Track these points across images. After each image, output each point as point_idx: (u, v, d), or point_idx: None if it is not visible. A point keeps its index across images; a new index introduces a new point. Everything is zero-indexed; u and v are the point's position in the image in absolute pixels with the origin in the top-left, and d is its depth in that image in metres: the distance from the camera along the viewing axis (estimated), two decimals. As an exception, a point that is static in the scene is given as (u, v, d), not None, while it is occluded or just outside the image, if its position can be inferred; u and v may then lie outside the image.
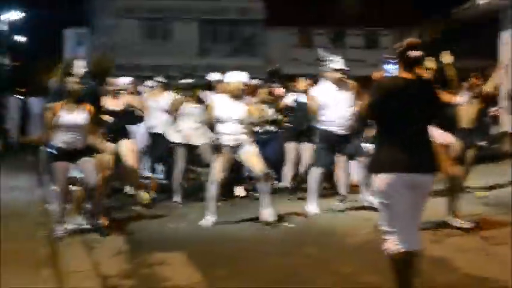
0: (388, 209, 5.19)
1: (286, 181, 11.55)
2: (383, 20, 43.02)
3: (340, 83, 9.58)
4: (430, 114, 5.33)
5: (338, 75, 9.57)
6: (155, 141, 11.78)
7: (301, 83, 11.69)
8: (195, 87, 11.26)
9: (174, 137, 11.05)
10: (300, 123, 11.34)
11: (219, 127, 9.15)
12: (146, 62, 37.55)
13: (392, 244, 5.20)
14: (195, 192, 11.32)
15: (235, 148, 9.12)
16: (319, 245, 7.86)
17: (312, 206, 9.72)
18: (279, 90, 12.30)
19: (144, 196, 10.51)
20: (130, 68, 34.31)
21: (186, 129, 10.90)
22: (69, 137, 8.38)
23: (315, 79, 10.93)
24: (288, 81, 13.40)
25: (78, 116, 8.41)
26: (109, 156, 9.89)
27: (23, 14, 42.12)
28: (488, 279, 6.19)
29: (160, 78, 12.16)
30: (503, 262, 6.73)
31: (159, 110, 11.62)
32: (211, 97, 9.43)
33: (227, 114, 9.08)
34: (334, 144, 9.71)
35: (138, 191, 10.60)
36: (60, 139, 8.37)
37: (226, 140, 9.09)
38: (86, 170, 8.42)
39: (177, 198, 10.92)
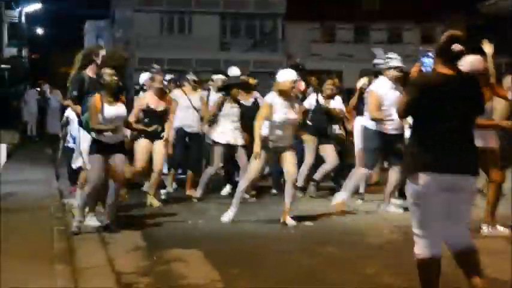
0: (420, 211, 4.90)
1: (301, 180, 11.30)
2: (406, 14, 42.72)
3: (397, 82, 9.40)
4: (473, 112, 5.01)
5: (396, 73, 9.38)
6: (191, 140, 11.44)
7: (327, 87, 11.40)
8: (232, 86, 11.02)
9: (215, 136, 10.77)
10: (320, 123, 11.17)
11: (274, 129, 8.80)
12: (165, 56, 37.35)
13: (421, 248, 4.96)
14: (213, 189, 11.24)
15: (279, 149, 8.87)
16: (339, 244, 7.74)
17: (341, 197, 9.64)
18: (301, 85, 12.07)
19: (154, 202, 10.26)
20: (149, 62, 34.32)
21: (227, 130, 10.70)
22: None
23: (338, 75, 10.76)
24: (309, 75, 13.20)
25: (119, 108, 8.24)
26: (144, 155, 9.89)
27: (42, 6, 42.29)
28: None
29: (191, 76, 11.78)
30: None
31: (191, 108, 11.34)
32: (270, 97, 8.94)
33: (283, 115, 8.74)
34: (387, 145, 9.49)
35: (151, 193, 10.36)
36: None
37: (279, 141, 8.81)
38: (118, 165, 8.23)
39: (198, 193, 10.78)
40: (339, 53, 40.87)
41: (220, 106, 10.78)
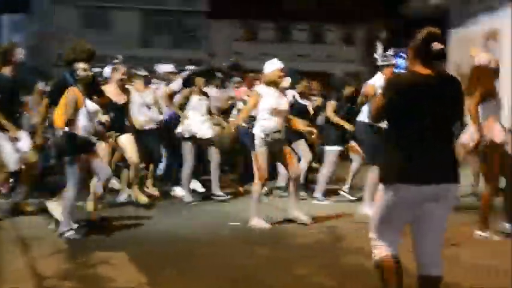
0: (389, 220, 4.56)
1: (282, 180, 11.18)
2: (328, 15, 43.10)
3: None
4: (454, 115, 4.61)
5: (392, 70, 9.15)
6: (148, 137, 10.74)
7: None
8: (196, 76, 10.74)
9: (182, 130, 10.47)
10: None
11: (263, 120, 8.57)
12: (86, 52, 36.54)
13: (381, 250, 4.66)
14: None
15: (277, 144, 8.63)
16: (272, 245, 7.63)
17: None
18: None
19: (141, 197, 10.00)
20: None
21: (195, 123, 10.41)
22: (89, 125, 7.91)
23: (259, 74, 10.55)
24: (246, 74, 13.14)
25: (93, 103, 8.00)
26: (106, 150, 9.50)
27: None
28: (448, 284, 5.93)
29: (142, 72, 11.37)
30: (460, 264, 6.60)
31: (145, 105, 10.82)
32: (259, 88, 8.77)
33: (277, 106, 8.56)
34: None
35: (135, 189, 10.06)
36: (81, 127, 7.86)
37: (271, 135, 8.54)
38: (97, 161, 7.99)
39: (188, 197, 10.46)
40: (260, 52, 40.80)
41: (187, 99, 10.52)
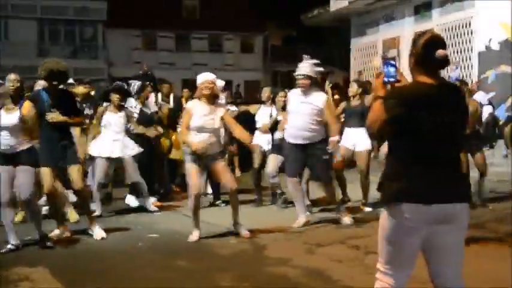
0: (396, 248, 4.08)
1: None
2: (226, 24, 43.30)
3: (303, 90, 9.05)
4: (460, 127, 4.21)
5: (299, 81, 9.03)
6: None
7: (280, 98, 10.90)
8: (111, 92, 10.41)
9: (92, 150, 10.21)
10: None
11: (192, 135, 8.26)
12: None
13: (385, 284, 4.18)
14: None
15: (206, 160, 8.34)
16: (189, 256, 7.53)
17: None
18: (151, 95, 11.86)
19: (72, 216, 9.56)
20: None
21: (106, 142, 10.14)
22: (5, 139, 7.68)
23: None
24: (160, 83, 13.03)
25: (14, 116, 7.72)
26: None
27: None
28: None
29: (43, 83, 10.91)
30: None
31: None
32: (190, 103, 8.56)
33: (204, 122, 8.29)
34: (298, 155, 9.10)
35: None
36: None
37: (201, 151, 8.20)
38: (20, 178, 7.71)
39: (98, 210, 10.05)
40: (160, 61, 40.58)
41: (101, 116, 10.24)
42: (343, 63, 20.75)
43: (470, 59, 17.27)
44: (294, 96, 9.18)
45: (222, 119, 8.37)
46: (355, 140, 10.27)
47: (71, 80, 12.10)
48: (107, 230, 8.65)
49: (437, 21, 18.32)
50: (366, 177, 10.37)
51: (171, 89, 13.06)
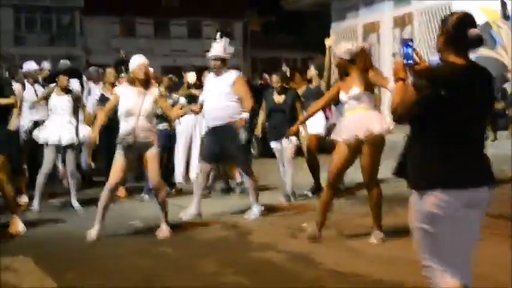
0: (438, 238, 3.83)
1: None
2: (205, 10, 43.16)
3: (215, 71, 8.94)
4: (490, 109, 4.05)
5: (213, 62, 8.89)
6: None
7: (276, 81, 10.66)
8: (60, 74, 9.98)
9: (39, 136, 9.70)
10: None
11: (123, 122, 7.83)
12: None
13: (445, 281, 3.86)
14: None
15: (137, 148, 7.83)
16: (171, 243, 7.49)
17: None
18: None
19: None
20: None
21: (54, 127, 9.65)
22: None
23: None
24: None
25: None
26: None
27: None
28: (351, 274, 6.03)
29: None
30: (362, 256, 6.65)
31: None
32: (118, 87, 8.19)
33: (133, 106, 7.78)
34: (213, 138, 8.90)
35: None
36: None
37: (130, 138, 7.76)
38: None
39: (35, 204, 9.65)
40: (139, 48, 40.33)
41: (46, 98, 9.85)
42: (324, 49, 20.55)
43: (450, 43, 17.28)
44: (209, 79, 9.11)
45: (155, 103, 7.96)
46: (310, 122, 10.33)
47: (35, 66, 11.91)
48: (88, 219, 8.52)
49: (417, 5, 18.30)
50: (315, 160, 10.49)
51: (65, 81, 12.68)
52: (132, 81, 7.91)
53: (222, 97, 8.75)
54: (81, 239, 7.66)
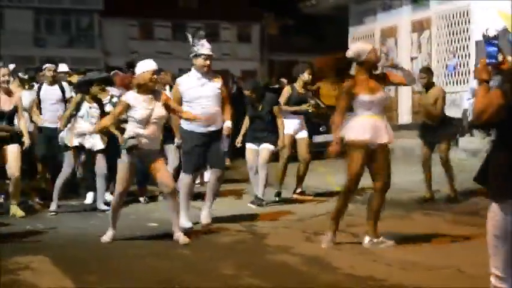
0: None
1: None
2: (223, 13, 43.24)
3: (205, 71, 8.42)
4: None
5: (201, 61, 8.36)
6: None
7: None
8: (92, 82, 10.01)
9: (70, 140, 9.77)
10: None
11: (135, 128, 7.54)
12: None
13: None
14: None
15: (145, 155, 7.63)
16: (189, 245, 7.51)
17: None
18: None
19: (18, 212, 9.42)
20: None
21: (82, 132, 9.78)
22: None
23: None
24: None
25: None
26: None
27: None
28: (368, 278, 6.02)
29: (20, 73, 10.84)
30: (377, 260, 6.62)
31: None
32: (126, 93, 7.83)
33: (145, 111, 7.51)
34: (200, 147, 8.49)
35: (14, 202, 9.50)
36: None
37: (141, 144, 7.50)
38: None
39: (53, 207, 9.78)
40: (157, 51, 40.48)
41: (78, 105, 9.83)
42: (341, 51, 20.50)
43: (467, 47, 17.24)
44: (193, 80, 8.44)
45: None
46: (296, 127, 10.34)
47: (66, 69, 12.08)
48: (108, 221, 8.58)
49: (435, 9, 18.27)
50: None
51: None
52: (139, 87, 7.57)
53: (215, 101, 8.42)
54: (99, 241, 7.73)
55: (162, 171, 7.69)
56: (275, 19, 47.27)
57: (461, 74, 17.54)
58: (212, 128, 8.45)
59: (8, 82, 9.37)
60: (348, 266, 6.41)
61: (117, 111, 7.76)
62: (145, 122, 7.51)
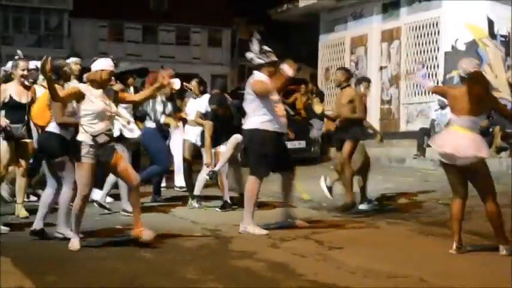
0: None
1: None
2: (194, 17, 43.20)
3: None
4: None
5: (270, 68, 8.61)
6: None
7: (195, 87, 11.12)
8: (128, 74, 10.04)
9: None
10: None
11: (88, 124, 7.33)
12: None
13: None
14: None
15: (101, 151, 7.37)
16: (153, 248, 7.44)
17: None
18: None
19: (22, 212, 9.31)
20: None
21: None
22: None
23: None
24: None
25: None
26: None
27: None
28: (331, 285, 6.02)
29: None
30: (342, 267, 6.62)
31: None
32: (82, 86, 7.51)
33: (101, 105, 7.33)
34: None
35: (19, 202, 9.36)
36: None
37: (95, 141, 7.29)
38: None
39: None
40: (127, 53, 40.35)
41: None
42: (311, 60, 20.60)
43: (436, 58, 17.41)
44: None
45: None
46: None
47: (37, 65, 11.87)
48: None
49: (405, 20, 18.43)
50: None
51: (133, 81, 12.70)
52: (92, 83, 7.36)
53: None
54: (63, 242, 7.61)
55: (125, 165, 7.58)
56: (246, 24, 47.33)
57: (430, 85, 17.66)
58: (285, 130, 8.66)
59: (25, 75, 9.01)
60: (311, 272, 6.39)
61: (66, 92, 7.42)
62: (102, 116, 7.32)
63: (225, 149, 10.14)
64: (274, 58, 8.61)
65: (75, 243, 7.34)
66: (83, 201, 7.40)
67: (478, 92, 7.02)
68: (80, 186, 7.40)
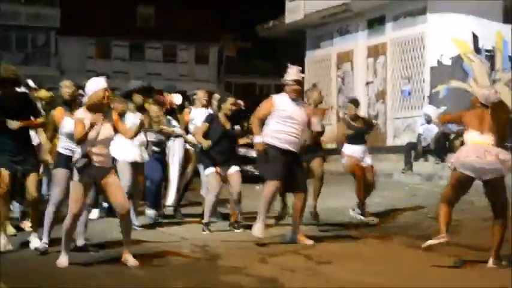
0: None
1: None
2: (180, 34, 43.30)
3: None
4: None
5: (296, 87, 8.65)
6: None
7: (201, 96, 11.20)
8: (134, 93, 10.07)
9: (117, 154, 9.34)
10: None
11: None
12: None
13: None
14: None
15: (95, 174, 7.35)
16: (144, 266, 7.39)
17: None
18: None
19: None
20: None
21: (130, 146, 9.53)
22: None
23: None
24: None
25: None
26: None
27: None
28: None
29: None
30: (330, 281, 6.64)
31: None
32: (80, 112, 7.37)
33: (92, 133, 7.21)
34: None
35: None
36: None
37: (92, 162, 7.26)
38: None
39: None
40: (114, 70, 40.34)
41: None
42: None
43: (422, 73, 17.52)
44: (287, 103, 8.67)
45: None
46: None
47: (33, 84, 11.89)
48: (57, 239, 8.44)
49: (391, 35, 18.56)
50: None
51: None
52: (91, 106, 7.26)
53: (303, 125, 8.78)
54: (50, 257, 7.64)
55: (117, 190, 7.45)
56: (233, 41, 47.49)
57: (416, 99, 17.79)
58: (292, 148, 8.69)
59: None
60: (300, 287, 6.42)
61: (79, 130, 7.26)
62: (92, 142, 7.24)
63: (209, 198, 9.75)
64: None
65: (63, 260, 7.33)
66: (73, 219, 7.37)
67: (504, 117, 7.27)
68: (70, 204, 7.41)
